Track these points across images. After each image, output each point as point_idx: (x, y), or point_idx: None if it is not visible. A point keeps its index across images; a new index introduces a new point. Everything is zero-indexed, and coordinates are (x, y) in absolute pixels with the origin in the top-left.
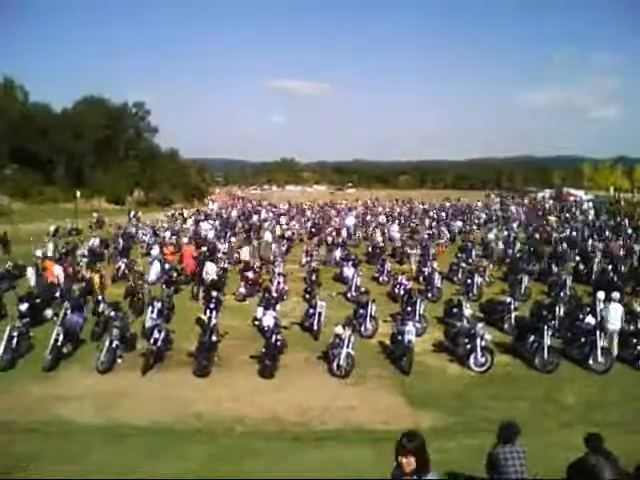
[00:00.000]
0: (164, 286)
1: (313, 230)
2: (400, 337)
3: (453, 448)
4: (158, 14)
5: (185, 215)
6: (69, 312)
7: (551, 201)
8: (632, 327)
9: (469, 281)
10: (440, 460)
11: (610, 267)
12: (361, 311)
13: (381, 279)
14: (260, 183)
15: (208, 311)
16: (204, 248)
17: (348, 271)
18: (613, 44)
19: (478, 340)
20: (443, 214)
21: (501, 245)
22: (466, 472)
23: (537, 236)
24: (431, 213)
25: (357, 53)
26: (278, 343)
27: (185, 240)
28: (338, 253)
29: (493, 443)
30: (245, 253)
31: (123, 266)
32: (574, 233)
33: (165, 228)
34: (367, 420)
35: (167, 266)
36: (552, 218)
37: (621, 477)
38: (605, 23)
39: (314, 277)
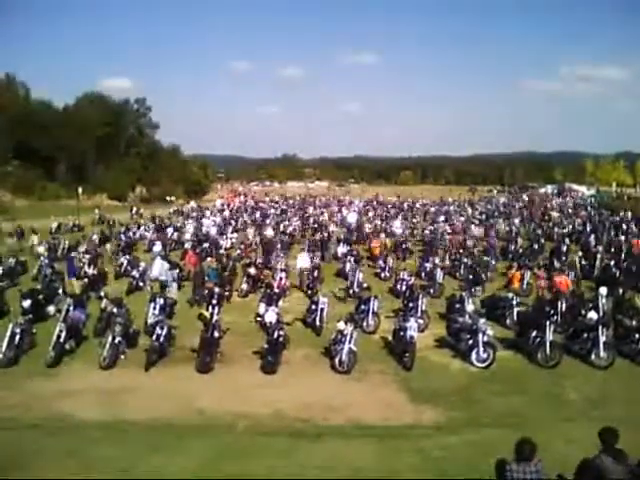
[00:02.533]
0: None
1: (315, 226)
2: (402, 333)
3: (455, 444)
4: (158, 11)
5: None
6: (72, 308)
7: (559, 199)
8: (634, 322)
9: (471, 277)
10: (443, 456)
11: (613, 262)
12: (363, 307)
13: (383, 275)
14: (261, 179)
15: (210, 307)
16: (206, 244)
17: (350, 267)
18: (613, 42)
19: (480, 335)
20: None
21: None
22: (468, 469)
23: (539, 231)
24: (433, 209)
25: (357, 49)
26: (280, 339)
27: (187, 236)
28: (340, 249)
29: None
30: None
31: (125, 262)
32: (578, 228)
33: (167, 224)
34: (369, 416)
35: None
36: (554, 214)
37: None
38: (607, 22)
39: (316, 273)
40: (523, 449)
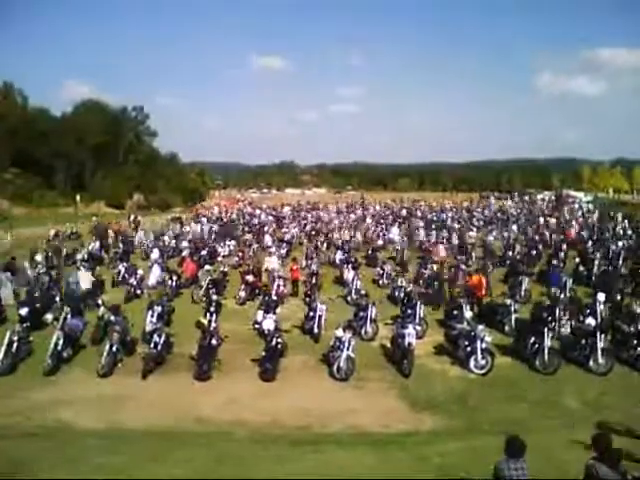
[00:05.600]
0: None
1: (313, 233)
2: (400, 340)
3: (454, 450)
4: (157, 15)
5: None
6: (69, 316)
7: (550, 204)
8: (632, 328)
9: None
10: (442, 463)
11: (610, 268)
12: (361, 314)
13: (381, 282)
14: (259, 186)
15: (208, 315)
16: (203, 252)
17: (348, 274)
18: (614, 43)
19: (478, 342)
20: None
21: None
22: (467, 476)
23: (537, 238)
24: (429, 216)
25: (358, 53)
26: (278, 346)
27: (185, 244)
28: (338, 255)
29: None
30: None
31: (123, 270)
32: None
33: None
34: (368, 423)
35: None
36: (551, 220)
37: None
38: (606, 22)
39: (314, 280)
40: (513, 445)
